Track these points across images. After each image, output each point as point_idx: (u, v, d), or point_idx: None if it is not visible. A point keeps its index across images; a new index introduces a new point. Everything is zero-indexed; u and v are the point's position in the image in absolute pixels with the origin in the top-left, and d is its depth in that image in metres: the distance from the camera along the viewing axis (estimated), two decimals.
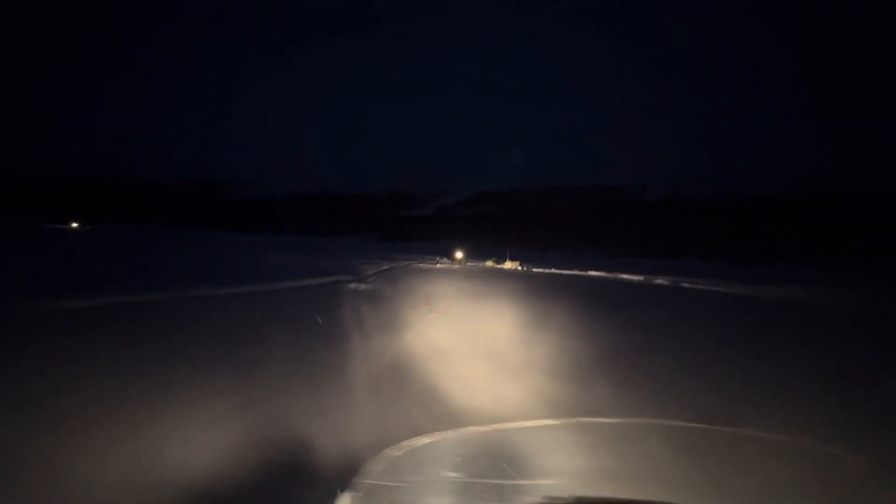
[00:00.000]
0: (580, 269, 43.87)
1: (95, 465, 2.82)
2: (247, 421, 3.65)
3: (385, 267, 26.67)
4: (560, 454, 1.28)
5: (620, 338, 8.38)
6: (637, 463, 1.22)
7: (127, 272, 13.62)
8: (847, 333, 11.29)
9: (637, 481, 1.11)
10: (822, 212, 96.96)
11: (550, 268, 45.34)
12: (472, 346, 6.90)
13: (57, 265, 14.23)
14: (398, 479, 1.09)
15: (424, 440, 1.26)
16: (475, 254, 64.31)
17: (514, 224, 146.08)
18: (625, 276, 35.11)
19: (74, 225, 74.43)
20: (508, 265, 47.76)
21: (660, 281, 30.45)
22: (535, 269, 41.71)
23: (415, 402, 4.34)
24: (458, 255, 54.39)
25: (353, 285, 14.94)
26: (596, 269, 44.72)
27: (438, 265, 38.82)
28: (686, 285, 27.39)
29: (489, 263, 49.92)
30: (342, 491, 1.02)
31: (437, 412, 4.10)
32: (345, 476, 1.09)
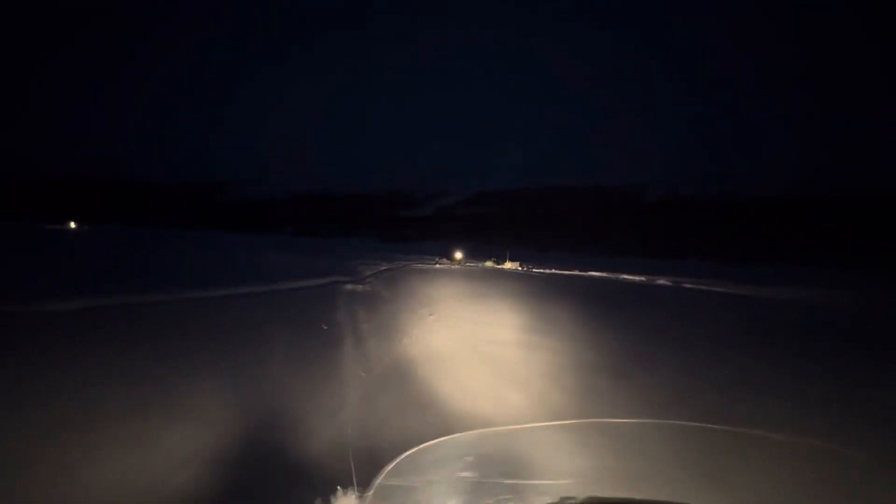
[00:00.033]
0: (580, 270, 43.58)
1: (100, 465, 2.84)
2: (218, 437, 3.40)
3: (384, 268, 26.39)
4: (572, 454, 1.26)
5: (627, 341, 8.09)
6: (647, 463, 1.22)
7: (116, 273, 13.33)
8: (853, 334, 11.02)
9: (647, 481, 1.09)
10: (822, 212, 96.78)
11: (551, 268, 45.06)
12: (473, 352, 6.61)
13: (47, 267, 13.94)
14: (414, 480, 1.10)
15: (439, 441, 1.25)
16: (475, 254, 63.99)
17: (513, 224, 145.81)
18: (626, 277, 34.83)
19: (72, 225, 74.06)
20: (508, 265, 47.45)
21: (661, 281, 30.17)
22: (535, 270, 41.41)
23: (410, 416, 4.07)
24: (458, 255, 54.09)
25: (349, 286, 14.65)
26: (596, 270, 44.43)
27: (438, 266, 38.52)
28: (688, 286, 27.11)
29: (489, 264, 49.60)
30: (361, 491, 1.03)
31: (435, 425, 3.83)
32: (363, 477, 1.10)
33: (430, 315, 9.66)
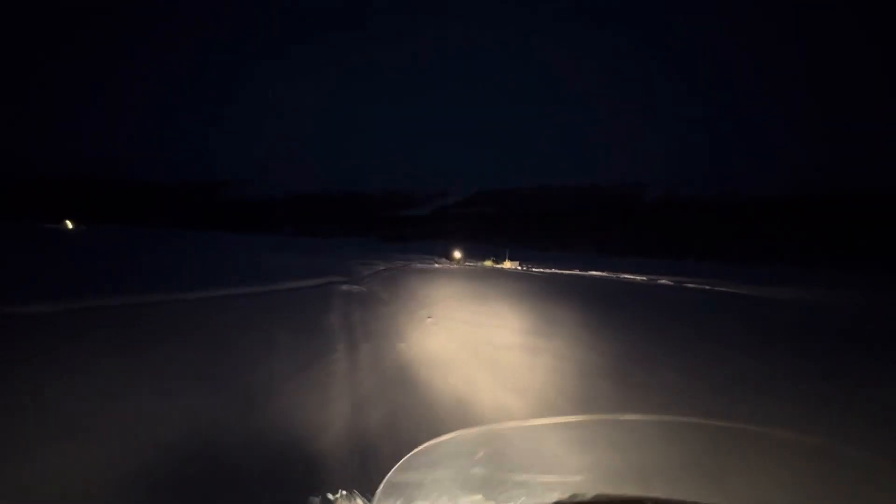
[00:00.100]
0: (580, 269, 43.23)
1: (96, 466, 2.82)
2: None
3: (381, 268, 26.03)
4: (583, 450, 1.25)
5: (633, 344, 7.71)
6: (659, 460, 1.21)
7: (106, 273, 12.95)
8: (865, 334, 10.66)
9: (659, 478, 1.10)
10: (823, 212, 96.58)
11: (550, 268, 44.70)
12: (472, 357, 6.22)
13: (40, 266, 13.56)
14: (424, 476, 1.11)
15: (449, 437, 1.25)
16: (474, 253, 63.73)
17: (512, 224, 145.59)
18: (627, 276, 34.49)
19: (69, 225, 73.60)
20: (508, 265, 47.19)
21: (663, 281, 29.80)
22: (534, 269, 41.05)
23: (404, 429, 3.70)
24: (457, 255, 53.81)
25: (345, 287, 14.26)
26: (596, 269, 44.08)
27: (437, 265, 38.15)
28: (691, 286, 26.76)
29: (488, 263, 49.33)
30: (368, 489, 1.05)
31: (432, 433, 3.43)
32: (372, 475, 1.11)
33: (429, 318, 9.29)
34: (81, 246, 26.65)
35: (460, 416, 4.02)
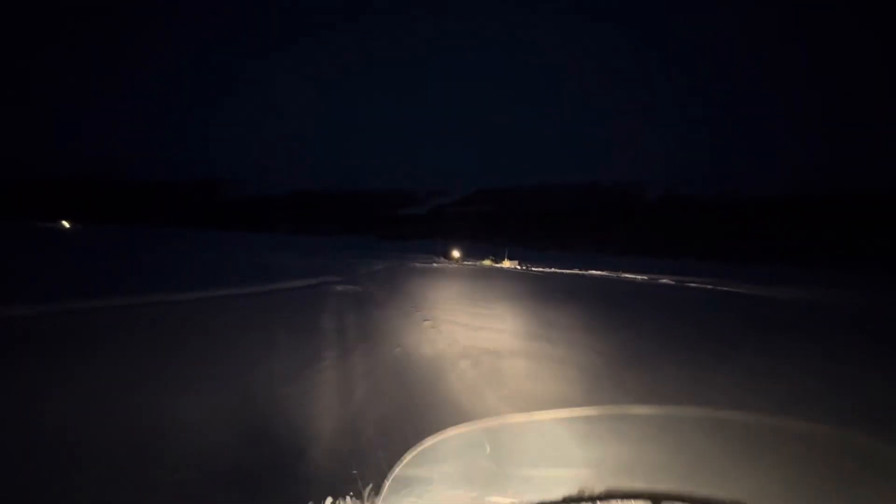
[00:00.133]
0: (580, 269, 42.79)
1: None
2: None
3: (379, 267, 25.60)
4: (592, 443, 1.24)
5: (641, 349, 7.28)
6: (670, 453, 1.18)
7: (91, 274, 12.51)
8: (877, 334, 10.27)
9: (670, 472, 1.08)
10: (824, 212, 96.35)
11: (550, 267, 44.25)
12: (473, 368, 5.79)
13: (32, 267, 13.13)
14: (431, 470, 1.11)
15: (455, 431, 1.24)
16: (473, 252, 63.23)
17: (512, 222, 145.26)
18: (627, 276, 34.08)
19: (66, 225, 72.93)
20: (507, 264, 46.71)
21: (664, 280, 29.40)
22: (534, 269, 40.62)
23: (397, 445, 3.26)
24: (456, 253, 53.38)
25: (341, 287, 13.82)
26: (596, 269, 43.67)
27: (435, 264, 37.73)
28: (693, 285, 26.37)
29: (487, 262, 48.85)
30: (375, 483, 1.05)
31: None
32: (381, 467, 1.11)
33: (426, 321, 8.85)
34: (74, 246, 26.19)
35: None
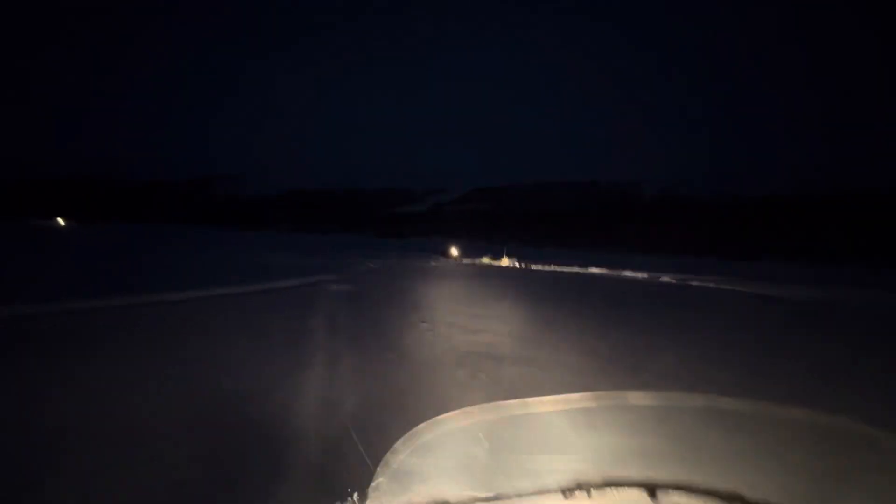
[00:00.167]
0: (580, 266, 42.37)
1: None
2: None
3: (375, 265, 25.16)
4: (590, 430, 1.21)
5: (652, 354, 6.86)
6: (670, 441, 1.16)
7: (73, 272, 12.05)
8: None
9: (670, 460, 1.07)
10: (825, 210, 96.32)
11: (549, 265, 43.84)
12: (472, 378, 5.35)
13: (25, 266, 12.68)
14: (424, 457, 1.09)
15: (450, 417, 1.21)
16: (471, 250, 62.73)
17: (510, 220, 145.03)
18: (627, 274, 33.70)
19: (61, 222, 72.18)
20: (505, 262, 46.31)
21: (666, 279, 28.99)
22: (533, 267, 40.21)
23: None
24: (454, 251, 52.95)
25: (335, 287, 13.36)
26: (595, 267, 43.25)
27: (433, 263, 37.31)
28: (695, 283, 25.99)
29: (485, 260, 48.42)
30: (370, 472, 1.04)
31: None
32: (376, 454, 1.10)
33: (423, 323, 8.42)
34: (65, 244, 25.71)
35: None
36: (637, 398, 1.28)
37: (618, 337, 8.01)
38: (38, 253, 18.17)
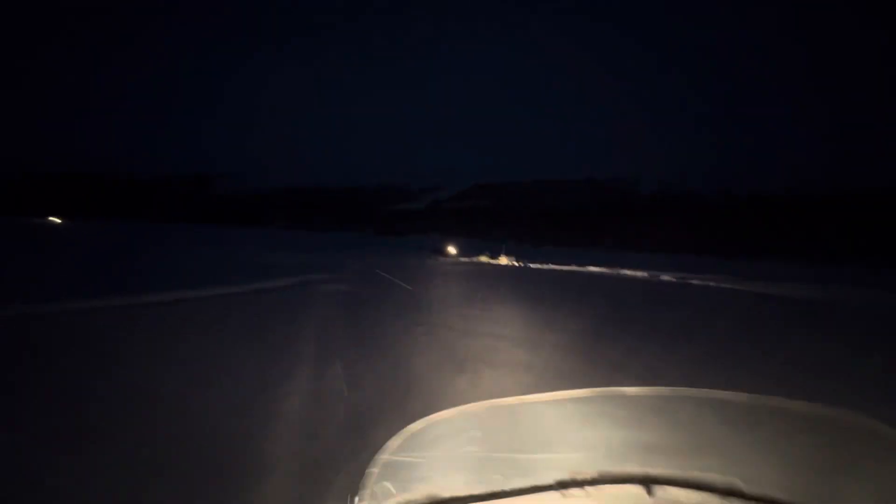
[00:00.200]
0: (578, 265, 42.01)
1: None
2: None
3: (372, 264, 24.71)
4: (584, 427, 1.21)
5: (660, 358, 6.40)
6: (662, 435, 1.15)
7: (58, 272, 11.56)
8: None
9: (662, 454, 1.07)
10: (826, 209, 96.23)
11: (547, 263, 43.44)
12: (473, 388, 4.89)
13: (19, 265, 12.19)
14: (419, 455, 1.08)
15: (444, 414, 1.20)
16: (469, 248, 62.30)
17: (509, 218, 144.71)
18: (627, 272, 33.35)
19: (55, 220, 71.51)
20: (504, 260, 45.94)
21: (666, 277, 28.61)
22: (532, 265, 39.81)
23: None
24: (452, 249, 52.54)
25: (328, 286, 12.88)
26: (594, 265, 42.89)
27: (430, 261, 36.88)
28: (695, 282, 25.62)
29: (483, 258, 48.03)
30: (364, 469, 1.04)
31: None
32: (367, 452, 1.09)
33: (419, 325, 7.96)
34: (58, 242, 25.21)
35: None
36: (632, 393, 1.24)
37: (625, 343, 7.54)
38: (25, 252, 17.67)
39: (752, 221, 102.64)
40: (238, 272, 13.68)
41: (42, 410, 3.70)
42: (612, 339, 7.57)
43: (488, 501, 0.94)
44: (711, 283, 24.88)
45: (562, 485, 0.96)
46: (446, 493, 0.94)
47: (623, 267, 40.63)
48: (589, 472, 0.97)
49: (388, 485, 0.96)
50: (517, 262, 44.36)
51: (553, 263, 43.25)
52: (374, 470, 0.99)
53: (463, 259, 46.39)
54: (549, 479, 0.97)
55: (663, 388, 1.21)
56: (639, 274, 31.68)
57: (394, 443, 1.08)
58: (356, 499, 0.93)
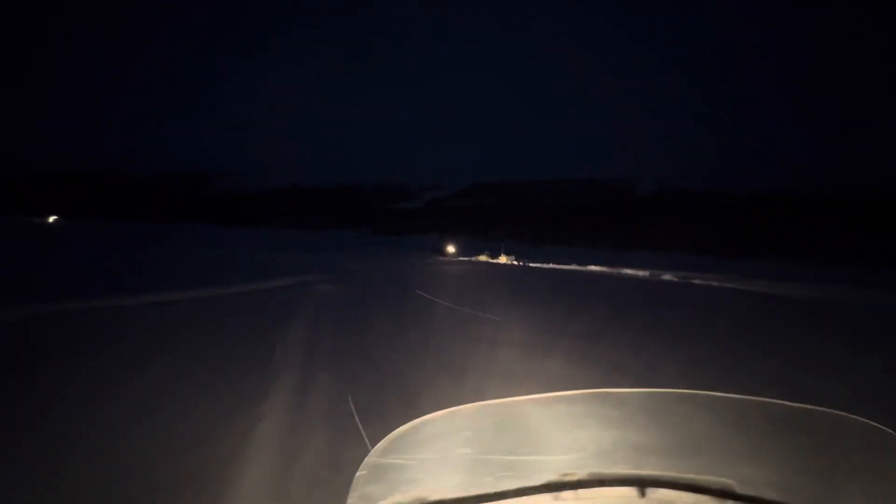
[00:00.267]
0: (578, 264, 41.90)
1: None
2: None
3: (370, 263, 24.57)
4: (575, 428, 1.19)
5: (668, 363, 6.24)
6: (654, 436, 1.13)
7: (41, 273, 11.42)
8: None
9: (654, 455, 1.06)
10: (827, 209, 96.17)
11: (547, 263, 43.33)
12: (472, 396, 4.75)
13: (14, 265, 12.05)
14: (409, 457, 1.07)
15: (435, 416, 1.17)
16: (469, 247, 62.18)
17: (508, 217, 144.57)
18: (627, 272, 33.24)
19: (52, 219, 71.39)
20: (503, 259, 45.89)
21: (667, 277, 28.50)
22: (531, 264, 39.69)
23: None
24: (451, 249, 52.45)
25: (323, 287, 12.73)
26: (594, 265, 42.79)
27: (429, 261, 36.73)
28: (697, 282, 25.50)
29: (483, 258, 47.96)
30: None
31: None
32: (357, 455, 1.07)
33: (415, 329, 7.80)
34: (61, 243, 25.07)
35: None
36: (625, 394, 1.22)
37: (628, 346, 7.39)
38: (25, 252, 17.54)
39: (753, 221, 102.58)
40: (238, 272, 13.54)
41: (42, 410, 3.66)
42: (627, 349, 7.40)
43: None
44: (713, 283, 24.79)
45: (553, 487, 0.95)
46: (436, 496, 0.93)
47: (624, 266, 40.58)
48: (581, 474, 0.96)
49: (377, 487, 0.95)
50: (517, 261, 44.31)
51: (554, 263, 43.18)
52: (363, 473, 0.97)
53: (462, 258, 46.30)
54: (541, 481, 0.96)
55: (656, 390, 1.18)
56: (640, 273, 31.63)
57: (383, 445, 1.06)
58: (346, 501, 0.92)
